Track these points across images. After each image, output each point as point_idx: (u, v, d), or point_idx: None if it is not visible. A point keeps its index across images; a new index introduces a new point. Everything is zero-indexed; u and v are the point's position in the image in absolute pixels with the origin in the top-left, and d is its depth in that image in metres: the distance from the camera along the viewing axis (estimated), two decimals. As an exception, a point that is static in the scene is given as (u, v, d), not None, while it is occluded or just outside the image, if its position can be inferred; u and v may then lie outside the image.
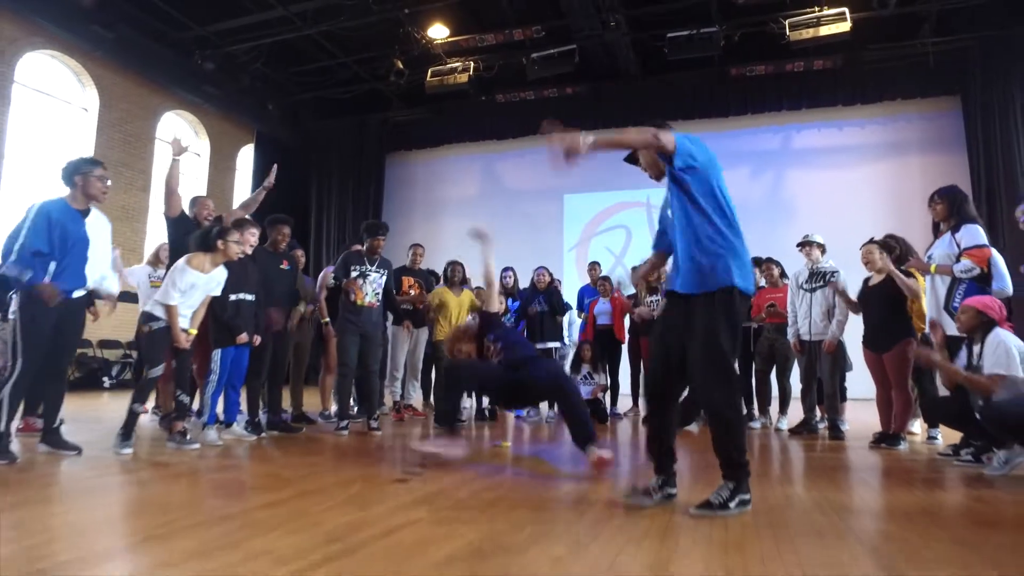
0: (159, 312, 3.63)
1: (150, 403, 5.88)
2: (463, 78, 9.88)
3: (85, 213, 3.47)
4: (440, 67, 10.01)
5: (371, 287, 4.66)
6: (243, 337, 4.05)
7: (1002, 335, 3.24)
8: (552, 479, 3.05)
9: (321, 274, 5.48)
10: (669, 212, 2.64)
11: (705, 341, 2.35)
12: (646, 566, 1.71)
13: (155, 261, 6.10)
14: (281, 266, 4.68)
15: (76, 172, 3.43)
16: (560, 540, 1.96)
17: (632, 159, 2.79)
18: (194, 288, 3.71)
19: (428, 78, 10.00)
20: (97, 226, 3.55)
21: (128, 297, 7.31)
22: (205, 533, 1.98)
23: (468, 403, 6.55)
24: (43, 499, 2.47)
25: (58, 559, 1.71)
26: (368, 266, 4.68)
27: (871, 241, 4.56)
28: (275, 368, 4.65)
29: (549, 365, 3.77)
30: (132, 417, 3.53)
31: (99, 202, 3.54)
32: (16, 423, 3.92)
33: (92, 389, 8.52)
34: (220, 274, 3.85)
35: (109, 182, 3.56)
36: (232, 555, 1.76)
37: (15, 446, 3.36)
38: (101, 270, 3.66)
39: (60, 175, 3.48)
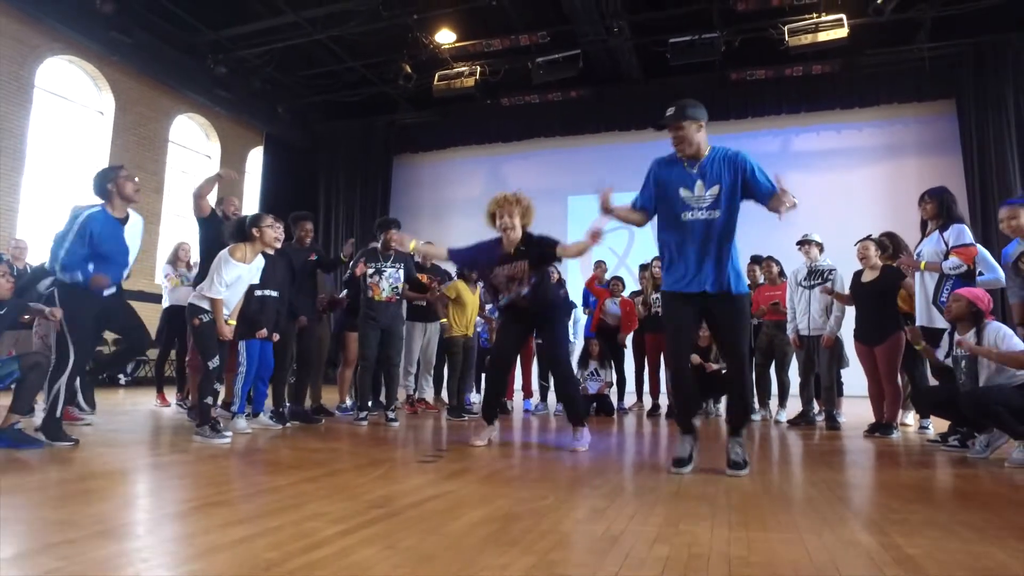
0: (206, 304, 3.77)
1: (172, 396, 6.16)
2: (469, 82, 10.11)
3: (124, 220, 3.67)
4: (447, 71, 10.24)
5: (387, 282, 4.85)
6: (263, 332, 4.20)
7: (998, 325, 3.41)
8: (567, 461, 3.27)
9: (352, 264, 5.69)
10: (687, 193, 2.91)
11: (744, 325, 3.00)
12: (658, 525, 1.94)
13: (174, 260, 6.33)
14: (309, 258, 4.88)
15: (106, 180, 3.62)
16: (580, 506, 2.19)
17: (662, 126, 2.98)
18: (240, 280, 3.86)
19: (435, 82, 10.24)
20: (134, 232, 3.78)
21: (143, 297, 7.55)
22: (260, 500, 2.21)
23: (477, 398, 6.79)
24: (107, 474, 2.69)
25: (139, 517, 1.94)
26: (383, 262, 4.89)
27: (867, 238, 4.78)
28: (303, 361, 4.84)
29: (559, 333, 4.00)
30: (205, 407, 3.73)
31: (135, 202, 3.74)
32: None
33: (107, 385, 8.74)
34: (260, 262, 4.01)
35: (137, 179, 3.79)
36: (290, 516, 1.98)
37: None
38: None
39: (93, 189, 3.66)
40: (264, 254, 4.27)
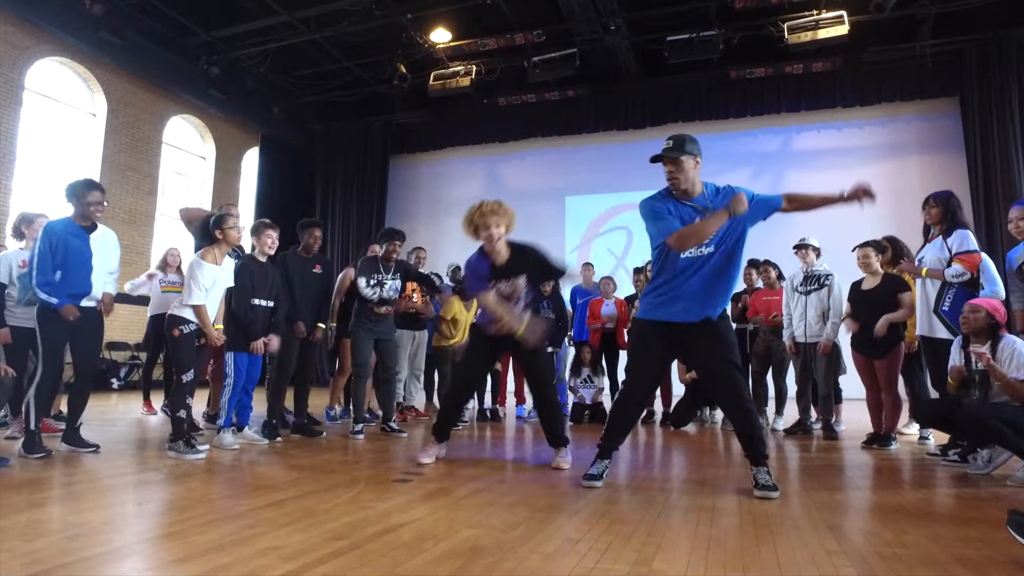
0: (187, 314, 3.67)
1: (157, 403, 6.06)
2: (465, 81, 9.99)
3: (90, 229, 3.70)
4: (443, 71, 10.12)
5: (388, 294, 4.71)
6: (258, 346, 4.05)
7: (1016, 340, 3.24)
8: (548, 479, 3.16)
9: (341, 275, 5.55)
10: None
11: (731, 344, 2.94)
12: (631, 562, 1.82)
13: (163, 266, 6.21)
14: (314, 270, 4.70)
15: (73, 194, 3.67)
16: (552, 538, 2.07)
17: (658, 159, 2.91)
18: (216, 284, 3.77)
19: (431, 81, 10.11)
20: (103, 241, 3.78)
21: (133, 300, 7.46)
22: (218, 530, 2.09)
23: (471, 403, 6.67)
24: (65, 497, 2.60)
25: (81, 555, 1.82)
26: (384, 273, 4.75)
27: (866, 244, 4.63)
28: (301, 371, 4.66)
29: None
30: (179, 422, 3.62)
31: (95, 220, 3.74)
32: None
33: (100, 390, 8.67)
34: (229, 263, 3.93)
35: (106, 203, 3.77)
36: (243, 551, 1.87)
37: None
38: (106, 279, 3.85)
39: (64, 195, 3.71)
40: (256, 261, 4.16)
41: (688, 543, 2.01)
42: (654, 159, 2.90)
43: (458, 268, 5.84)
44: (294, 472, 3.20)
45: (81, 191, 3.64)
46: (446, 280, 6.22)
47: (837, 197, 2.99)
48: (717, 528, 2.20)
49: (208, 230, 3.85)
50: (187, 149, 11.27)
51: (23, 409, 3.51)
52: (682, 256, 2.85)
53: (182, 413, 3.63)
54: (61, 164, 9.15)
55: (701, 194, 2.90)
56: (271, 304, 4.18)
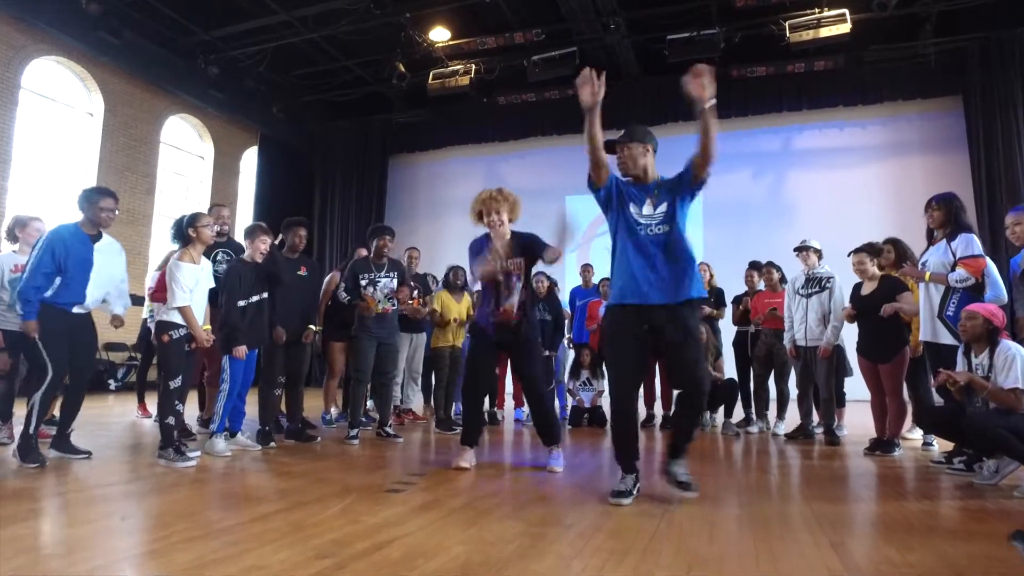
0: (175, 318, 3.62)
1: (152, 408, 6.00)
2: (464, 80, 9.93)
3: (95, 238, 3.67)
4: (442, 70, 10.05)
5: (381, 293, 4.62)
6: (241, 350, 3.93)
7: (1013, 347, 3.18)
8: (544, 489, 3.10)
9: (327, 278, 5.48)
10: (636, 210, 2.91)
11: (696, 339, 2.83)
12: (626, 582, 1.75)
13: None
14: (299, 272, 4.60)
15: (87, 200, 3.64)
16: (546, 552, 2.01)
17: (611, 150, 2.97)
18: (198, 283, 3.74)
19: (430, 81, 10.05)
20: (108, 251, 3.76)
21: (132, 300, 7.39)
22: (201, 547, 2.03)
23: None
24: (50, 510, 2.55)
25: (62, 574, 1.77)
26: (376, 272, 4.66)
27: (860, 249, 4.55)
28: (293, 375, 4.59)
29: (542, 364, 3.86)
30: (167, 429, 3.57)
31: (105, 227, 3.72)
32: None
33: (97, 392, 8.62)
34: (207, 263, 3.92)
35: (116, 212, 3.73)
36: (225, 569, 1.81)
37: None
38: (105, 291, 3.82)
39: (76, 201, 3.69)
40: (244, 263, 4.10)
41: (685, 563, 1.94)
42: (607, 144, 2.93)
43: (456, 268, 5.78)
44: (284, 481, 3.14)
45: (95, 197, 3.63)
46: (439, 286, 6.15)
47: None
48: (716, 544, 2.13)
49: (182, 231, 3.78)
50: (185, 149, 11.22)
51: (26, 412, 3.43)
52: (640, 235, 2.86)
53: (170, 420, 3.57)
54: (58, 164, 9.10)
55: (653, 181, 2.96)
56: (259, 300, 4.11)
